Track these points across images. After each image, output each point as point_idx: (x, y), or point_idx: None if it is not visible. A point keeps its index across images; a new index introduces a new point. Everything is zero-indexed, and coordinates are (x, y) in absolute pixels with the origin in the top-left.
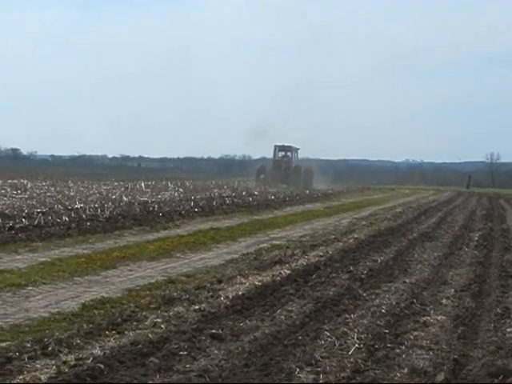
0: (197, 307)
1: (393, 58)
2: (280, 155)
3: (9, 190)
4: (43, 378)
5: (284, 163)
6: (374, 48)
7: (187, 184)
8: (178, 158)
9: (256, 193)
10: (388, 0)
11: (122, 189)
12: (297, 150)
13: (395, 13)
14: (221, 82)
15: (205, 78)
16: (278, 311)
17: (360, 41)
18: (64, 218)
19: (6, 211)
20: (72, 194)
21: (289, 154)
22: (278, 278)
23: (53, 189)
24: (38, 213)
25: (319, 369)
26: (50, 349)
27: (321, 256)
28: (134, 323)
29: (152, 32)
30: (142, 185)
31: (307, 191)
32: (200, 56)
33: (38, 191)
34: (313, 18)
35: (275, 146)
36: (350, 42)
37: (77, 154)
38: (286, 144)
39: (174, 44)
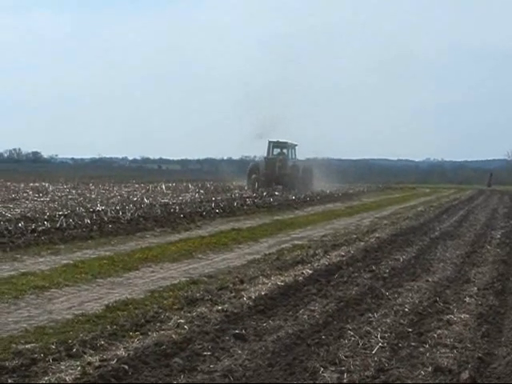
0: (220, 308)
1: (409, 56)
2: (275, 153)
3: (31, 193)
4: (68, 379)
5: (278, 162)
6: (386, 45)
7: (208, 185)
8: (199, 160)
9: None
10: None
11: (143, 191)
12: (294, 146)
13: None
14: (237, 82)
15: (222, 80)
16: (301, 311)
17: (370, 36)
18: (86, 220)
19: (28, 214)
20: (93, 196)
21: (285, 151)
22: (301, 278)
23: (74, 191)
24: (60, 215)
25: (343, 368)
26: (74, 350)
27: (343, 255)
28: (158, 324)
29: (169, 32)
30: (163, 186)
31: (303, 194)
32: (217, 55)
33: (59, 194)
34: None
35: (269, 141)
36: (361, 37)
37: (97, 157)
38: (281, 140)
39: (192, 45)
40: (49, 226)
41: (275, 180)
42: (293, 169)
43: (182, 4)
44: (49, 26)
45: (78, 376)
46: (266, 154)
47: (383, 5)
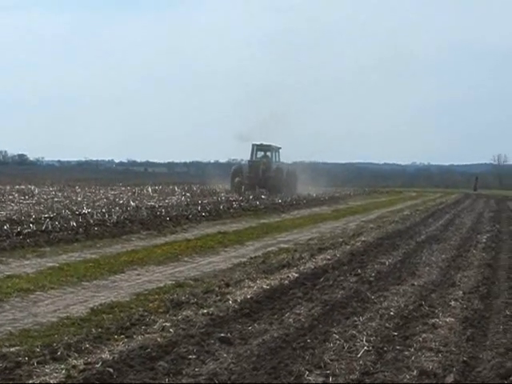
0: (205, 311)
1: (397, 58)
2: (259, 156)
3: (16, 195)
4: (52, 382)
5: (262, 165)
6: (377, 48)
7: (194, 188)
8: (185, 163)
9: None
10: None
11: (129, 193)
12: (278, 149)
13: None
14: (226, 86)
15: (212, 82)
16: (287, 314)
17: (360, 41)
18: (72, 223)
19: (14, 217)
20: (79, 199)
21: (268, 154)
22: (286, 282)
23: (60, 194)
24: (46, 218)
25: (328, 371)
26: (59, 353)
27: (329, 259)
28: (143, 327)
29: (154, 38)
30: (149, 189)
31: (289, 198)
32: (209, 58)
33: (45, 197)
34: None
35: (253, 144)
36: (350, 42)
37: (84, 160)
38: (264, 143)
39: (179, 48)
40: (34, 228)
41: (259, 183)
42: (277, 172)
43: (182, 6)
44: (42, 24)
45: (63, 379)
46: (250, 157)
47: (383, 3)
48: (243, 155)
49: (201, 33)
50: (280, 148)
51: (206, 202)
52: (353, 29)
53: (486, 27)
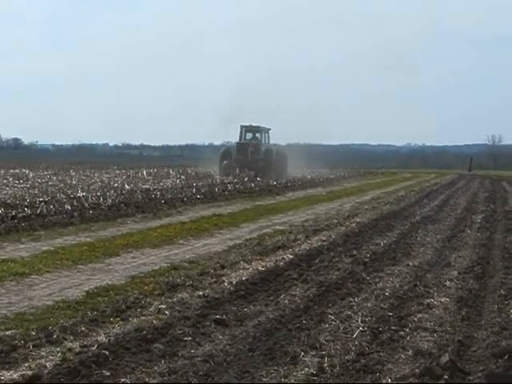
0: (200, 293)
1: (391, 40)
2: (248, 137)
3: (11, 179)
4: (48, 365)
5: (251, 146)
6: (370, 30)
7: (189, 171)
8: (180, 146)
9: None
10: None
11: (124, 177)
12: (267, 130)
13: None
14: (220, 67)
15: (206, 64)
16: (282, 296)
17: (352, 27)
18: (66, 206)
19: (9, 201)
20: (74, 182)
21: (257, 135)
22: (281, 263)
23: (55, 178)
24: (41, 202)
25: (324, 352)
26: (54, 336)
27: (324, 240)
28: (138, 310)
29: (147, 18)
30: (144, 172)
31: (274, 181)
32: (202, 38)
33: (39, 180)
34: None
35: (241, 126)
36: (343, 29)
37: (78, 143)
38: (253, 124)
39: (175, 28)
40: (29, 212)
41: (248, 166)
42: (266, 154)
43: None
44: (29, 9)
45: (59, 362)
46: (238, 139)
47: None
48: (236, 137)
49: (197, 12)
50: (270, 129)
51: (200, 184)
52: (343, 15)
53: (480, 11)
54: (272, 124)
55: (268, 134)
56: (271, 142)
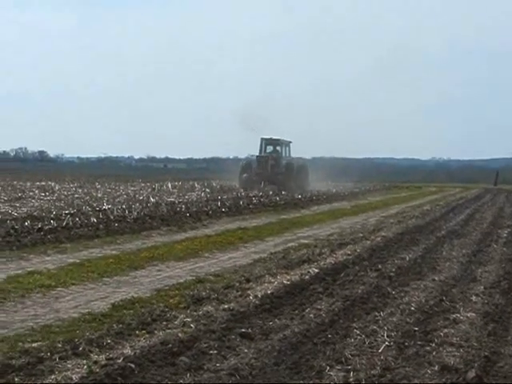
0: (226, 306)
1: (413, 52)
2: (268, 150)
3: (37, 192)
4: (75, 377)
5: (271, 160)
6: (387, 42)
7: (213, 184)
8: (205, 159)
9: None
10: None
11: (149, 189)
12: (288, 143)
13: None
14: (245, 80)
15: (231, 77)
16: (307, 310)
17: (373, 34)
18: (92, 219)
19: (35, 213)
20: (99, 195)
21: (278, 148)
22: (307, 277)
23: (80, 190)
24: (67, 214)
25: (349, 367)
26: (80, 349)
27: (349, 254)
28: (164, 323)
29: (164, 30)
30: (169, 185)
31: (299, 194)
32: (223, 53)
33: (65, 193)
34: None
35: (262, 139)
36: (364, 37)
37: (103, 156)
38: (274, 137)
39: (200, 44)
40: (55, 224)
41: (268, 179)
42: (287, 167)
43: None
44: (51, 21)
45: (85, 375)
46: (258, 152)
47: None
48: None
49: (213, 28)
50: (291, 142)
51: (225, 197)
52: (363, 24)
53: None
54: (296, 137)
55: (289, 146)
56: (294, 155)
